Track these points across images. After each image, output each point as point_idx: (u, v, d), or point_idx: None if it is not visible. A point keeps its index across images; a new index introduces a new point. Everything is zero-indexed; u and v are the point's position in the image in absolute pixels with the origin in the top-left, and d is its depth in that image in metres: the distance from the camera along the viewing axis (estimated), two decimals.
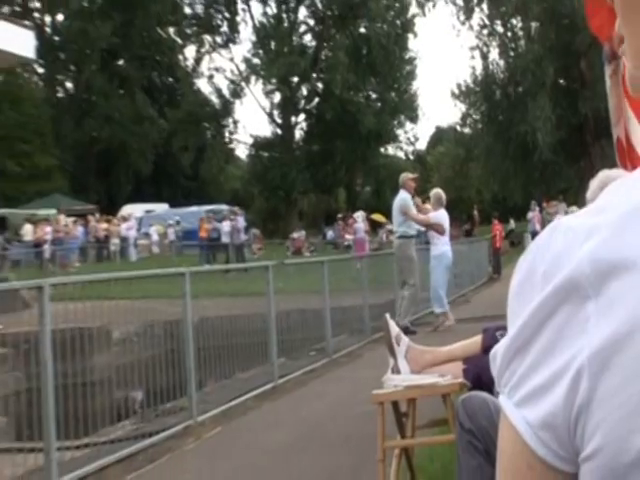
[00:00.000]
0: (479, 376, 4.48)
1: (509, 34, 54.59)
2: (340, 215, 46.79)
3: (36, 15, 56.64)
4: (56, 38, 56.84)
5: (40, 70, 57.27)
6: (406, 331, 13.11)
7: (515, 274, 0.72)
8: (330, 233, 46.41)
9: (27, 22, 38.61)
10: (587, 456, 0.65)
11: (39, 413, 6.42)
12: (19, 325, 9.75)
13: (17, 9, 53.75)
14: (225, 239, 35.71)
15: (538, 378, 0.67)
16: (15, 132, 51.14)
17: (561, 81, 49.73)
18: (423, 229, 16.00)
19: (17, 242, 36.45)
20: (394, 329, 5.03)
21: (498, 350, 0.71)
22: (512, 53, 53.96)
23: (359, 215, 38.43)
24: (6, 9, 47.02)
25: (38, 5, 58.34)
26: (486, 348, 4.62)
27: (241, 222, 36.78)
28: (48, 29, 56.58)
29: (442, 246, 15.28)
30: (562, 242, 0.68)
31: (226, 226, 36.00)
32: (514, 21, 53.81)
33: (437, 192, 15.35)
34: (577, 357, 0.65)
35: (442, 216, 15.04)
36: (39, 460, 6.44)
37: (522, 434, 0.68)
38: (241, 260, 32.66)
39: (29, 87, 57.46)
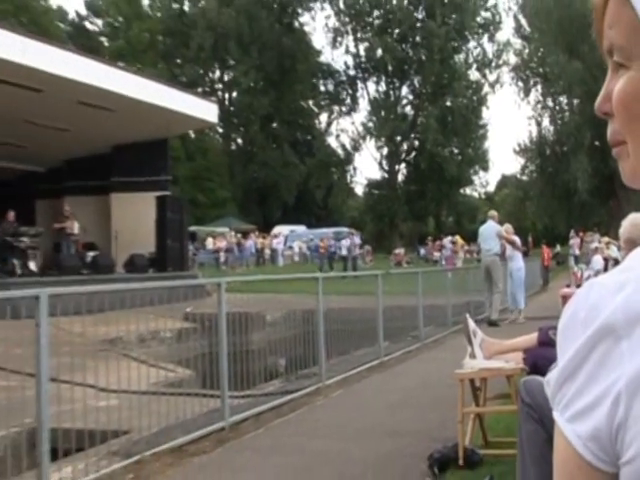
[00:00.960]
0: (535, 363, 4.43)
1: (557, 108, 54.45)
2: (430, 238, 46.47)
3: (219, 93, 57.39)
4: (232, 108, 57.53)
5: (220, 130, 57.79)
6: (494, 324, 13.20)
7: (561, 319, 0.70)
8: (422, 251, 45.47)
9: (213, 98, 40.89)
10: (626, 461, 0.63)
11: (217, 370, 6.39)
12: (203, 308, 10.09)
13: (207, 89, 54.95)
14: (344, 252, 35.40)
15: (584, 400, 0.65)
16: (203, 174, 52.78)
17: (596, 143, 47.76)
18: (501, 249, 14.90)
19: (202, 250, 37.72)
20: (472, 325, 4.93)
21: (551, 377, 0.69)
22: (559, 122, 53.72)
23: (449, 239, 37.90)
24: (200, 89, 48.56)
25: (220, 86, 59.24)
26: (540, 342, 4.63)
27: (357, 240, 36.69)
28: (226, 102, 57.08)
29: (520, 261, 15.03)
30: (597, 294, 0.66)
31: (345, 243, 35.86)
32: (561, 98, 53.60)
33: (509, 225, 14.93)
34: (616, 384, 0.63)
35: (517, 240, 14.98)
36: (216, 404, 6.42)
37: (573, 444, 0.66)
38: (354, 269, 32.12)
39: (213, 142, 58.24)
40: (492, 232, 14.08)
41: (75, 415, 5.08)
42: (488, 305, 14.11)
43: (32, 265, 18.32)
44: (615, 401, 0.64)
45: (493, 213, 14.84)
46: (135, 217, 21.34)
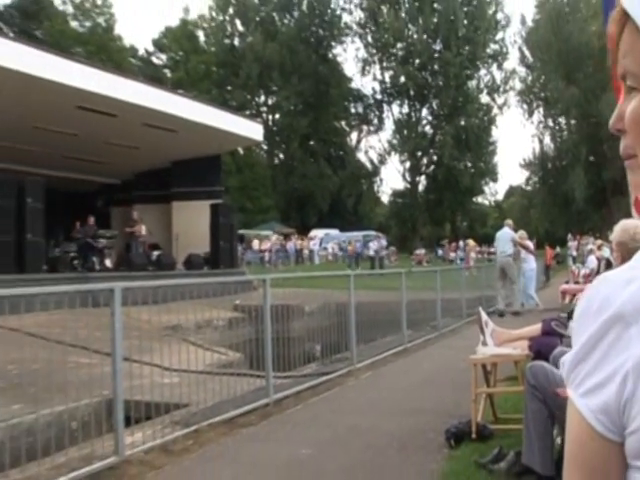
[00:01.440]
0: (539, 350, 4.42)
1: (557, 127, 54.55)
2: (446, 240, 46.45)
3: (264, 115, 57.11)
4: (275, 128, 57.34)
5: (265, 147, 57.57)
6: (516, 313, 13.26)
7: (576, 309, 0.69)
8: (440, 251, 45.22)
9: (258, 119, 40.97)
10: (631, 431, 0.64)
11: (262, 354, 6.34)
12: (250, 300, 9.99)
13: (253, 112, 54.70)
14: (372, 253, 35.07)
15: (596, 378, 0.65)
16: (250, 184, 52.50)
17: (591, 158, 48.86)
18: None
19: (249, 250, 37.61)
20: (484, 316, 4.91)
21: (566, 359, 0.69)
22: (559, 140, 53.76)
23: (467, 242, 37.48)
24: (247, 112, 48.33)
25: (265, 109, 59.10)
26: (544, 332, 4.64)
27: (383, 242, 36.94)
28: (270, 123, 57.01)
29: (532, 263, 15.03)
30: (608, 288, 0.66)
31: (373, 245, 35.69)
32: (560, 119, 53.57)
33: (523, 232, 14.94)
34: (624, 364, 0.63)
35: (531, 245, 15.09)
36: (262, 383, 6.42)
37: (585, 416, 0.66)
38: (381, 267, 31.82)
39: (258, 157, 57.83)
40: (507, 237, 13.98)
41: (144, 389, 5.21)
42: (500, 299, 13.93)
43: (108, 262, 18.65)
44: (623, 379, 0.64)
45: (509, 222, 14.68)
46: (192, 222, 21.55)
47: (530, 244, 14.94)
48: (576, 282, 15.54)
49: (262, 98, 60.15)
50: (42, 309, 4.39)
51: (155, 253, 20.48)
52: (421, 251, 42.81)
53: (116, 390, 4.47)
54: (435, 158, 58.04)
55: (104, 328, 4.69)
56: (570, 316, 5.00)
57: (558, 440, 3.53)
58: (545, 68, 52.06)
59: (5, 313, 3.87)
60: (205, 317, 10.01)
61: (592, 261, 14.68)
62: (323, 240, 43.69)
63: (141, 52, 61.26)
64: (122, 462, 4.38)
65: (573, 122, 51.59)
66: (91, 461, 4.27)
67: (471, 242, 37.92)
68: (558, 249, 39.23)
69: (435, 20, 54.93)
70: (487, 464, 3.91)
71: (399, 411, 5.78)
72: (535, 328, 4.78)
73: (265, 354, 6.26)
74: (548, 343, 4.38)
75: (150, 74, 51.31)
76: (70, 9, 56.33)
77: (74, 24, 55.59)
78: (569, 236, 36.49)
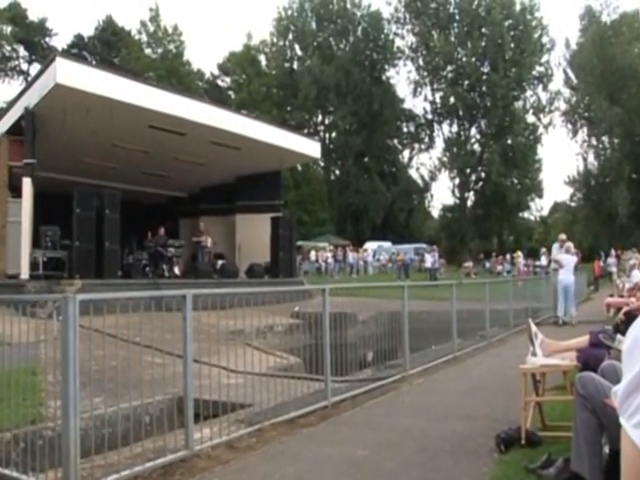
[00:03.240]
0: (587, 361, 4.29)
1: (600, 146, 53.34)
2: (494, 253, 45.54)
3: (321, 134, 57.10)
4: (331, 146, 56.84)
5: (322, 164, 56.92)
6: (566, 323, 13.24)
7: (625, 341, 0.67)
8: (487, 264, 44.13)
9: (316, 138, 41.14)
10: None
11: (320, 358, 6.34)
12: (308, 308, 9.95)
13: (311, 131, 54.81)
14: (429, 265, 34.69)
15: None
16: (307, 199, 53.06)
17: (633, 175, 47.83)
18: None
19: (307, 260, 37.79)
20: (533, 328, 4.83)
21: (619, 389, 0.66)
22: (602, 158, 52.67)
23: (519, 254, 36.82)
24: (305, 131, 47.89)
25: (322, 128, 59.19)
26: (592, 343, 4.49)
27: (437, 256, 35.79)
28: (327, 141, 56.88)
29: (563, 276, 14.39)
30: None
31: (430, 258, 34.92)
32: (604, 138, 52.44)
33: (569, 244, 14.49)
34: None
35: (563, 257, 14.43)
36: (321, 386, 6.39)
37: (639, 447, 0.63)
38: (435, 279, 30.83)
39: (315, 173, 58.04)
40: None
41: (211, 389, 5.25)
42: (562, 311, 13.82)
43: (176, 270, 19.04)
44: None
45: (562, 236, 14.62)
46: (254, 233, 21.78)
47: (562, 257, 14.44)
48: (620, 295, 15.16)
49: (319, 118, 60.39)
50: (121, 311, 4.53)
51: (219, 262, 20.82)
52: (469, 264, 42.18)
53: (187, 389, 4.56)
54: (483, 175, 57.47)
55: (173, 331, 4.79)
56: (616, 329, 4.92)
57: (606, 449, 3.43)
58: (589, 89, 51.25)
59: (90, 314, 4.02)
60: (266, 323, 10.13)
61: (636, 275, 14.31)
62: (376, 252, 43.34)
63: (207, 75, 62.88)
64: (192, 456, 4.47)
65: (616, 141, 50.37)
66: (164, 453, 4.37)
67: (519, 254, 37.27)
68: (601, 263, 38.51)
69: (483, 44, 54.53)
70: (536, 469, 3.84)
71: (450, 416, 5.73)
72: (583, 340, 4.65)
73: (324, 359, 6.26)
74: (596, 355, 4.29)
75: (215, 96, 52.43)
76: (144, 38, 58.11)
77: (148, 51, 57.29)
78: (611, 251, 35.50)
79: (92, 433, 4.11)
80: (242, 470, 4.28)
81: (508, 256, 40.96)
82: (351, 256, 39.19)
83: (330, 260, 37.24)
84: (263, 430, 5.19)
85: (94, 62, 45.83)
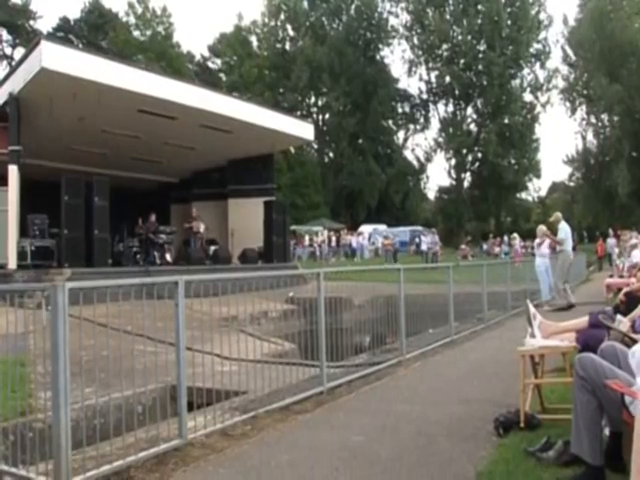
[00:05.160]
0: (586, 342, 4.29)
1: (599, 124, 53.41)
2: (491, 235, 45.85)
3: (314, 116, 57.31)
4: (324, 128, 57.43)
5: (315, 146, 57.66)
6: (571, 306, 12.67)
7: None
8: (484, 246, 44.18)
9: (309, 120, 41.06)
10: None
11: (315, 344, 6.29)
12: (303, 293, 9.68)
13: (304, 113, 54.92)
14: (424, 247, 34.82)
15: None
16: (301, 182, 53.04)
17: (633, 154, 47.80)
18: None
19: (301, 245, 37.84)
20: (532, 309, 4.84)
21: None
22: (601, 136, 52.75)
23: (515, 236, 36.92)
24: (298, 113, 48.46)
25: (315, 110, 58.86)
26: (591, 324, 4.51)
27: (436, 238, 35.61)
28: (320, 123, 56.95)
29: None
30: None
31: (427, 239, 35.09)
32: (603, 116, 52.51)
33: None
34: None
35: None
36: (316, 372, 6.38)
37: None
38: (433, 261, 30.60)
39: (309, 156, 58.25)
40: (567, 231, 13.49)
41: (205, 377, 5.18)
42: (569, 292, 13.55)
43: (168, 257, 19.01)
44: None
45: (558, 215, 14.20)
46: (247, 218, 21.75)
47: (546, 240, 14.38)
48: (620, 276, 15.13)
49: (312, 99, 60.29)
50: (112, 300, 4.49)
51: (212, 248, 20.81)
52: (466, 246, 42.27)
53: (180, 377, 4.53)
54: (479, 155, 57.65)
55: (165, 319, 4.77)
56: (616, 310, 4.93)
57: (606, 431, 3.46)
58: (588, 66, 51.19)
59: (79, 303, 3.98)
60: (260, 309, 9.90)
61: (636, 255, 14.29)
62: (372, 235, 43.34)
63: (197, 58, 62.49)
64: (185, 444, 4.48)
65: (616, 119, 50.33)
66: (157, 442, 4.34)
67: (515, 236, 37.14)
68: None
69: (479, 21, 54.42)
70: (536, 452, 3.85)
71: (448, 400, 5.72)
72: (582, 321, 4.65)
73: (319, 344, 6.23)
74: (596, 336, 4.29)
75: (206, 78, 52.34)
76: (132, 20, 57.59)
77: (136, 33, 56.77)
78: (610, 231, 34.46)
79: (83, 424, 4.09)
80: (237, 458, 4.28)
81: (506, 238, 41.04)
82: (354, 240, 39.31)
83: (326, 246, 37.45)
84: (258, 417, 5.18)
85: (80, 45, 45.38)
